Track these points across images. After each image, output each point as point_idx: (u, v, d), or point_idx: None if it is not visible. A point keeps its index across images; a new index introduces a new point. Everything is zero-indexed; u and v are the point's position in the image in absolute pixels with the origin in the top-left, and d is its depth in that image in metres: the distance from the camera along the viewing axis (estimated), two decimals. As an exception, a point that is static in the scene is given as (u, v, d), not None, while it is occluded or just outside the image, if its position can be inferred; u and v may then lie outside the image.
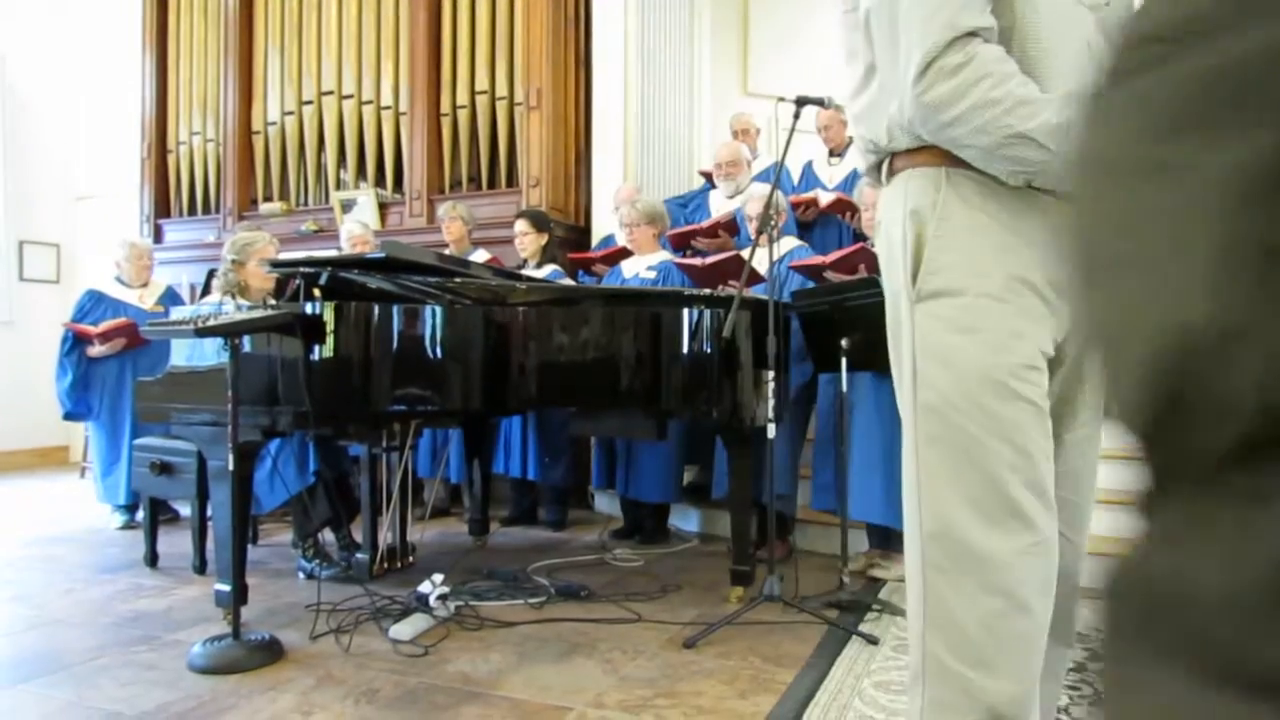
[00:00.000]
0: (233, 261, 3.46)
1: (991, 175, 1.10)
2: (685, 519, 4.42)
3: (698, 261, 3.95)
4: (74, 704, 2.26)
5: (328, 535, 3.60)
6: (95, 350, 4.37)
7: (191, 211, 6.45)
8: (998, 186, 1.11)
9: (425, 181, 5.49)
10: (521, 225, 4.47)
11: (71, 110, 7.12)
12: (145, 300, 4.64)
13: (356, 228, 4.82)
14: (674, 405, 3.13)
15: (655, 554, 3.90)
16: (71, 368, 4.38)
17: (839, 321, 3.11)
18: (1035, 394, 1.10)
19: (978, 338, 1.08)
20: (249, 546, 3.42)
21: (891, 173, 1.20)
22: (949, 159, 1.12)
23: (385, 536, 3.43)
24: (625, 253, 4.30)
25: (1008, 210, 1.11)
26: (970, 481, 1.07)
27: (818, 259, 3.66)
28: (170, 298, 4.80)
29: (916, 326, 1.13)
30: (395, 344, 2.78)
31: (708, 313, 3.07)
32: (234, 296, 3.39)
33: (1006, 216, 1.11)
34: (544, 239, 4.48)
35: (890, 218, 1.19)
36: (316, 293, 2.78)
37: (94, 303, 4.55)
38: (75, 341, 4.40)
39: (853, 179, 4.32)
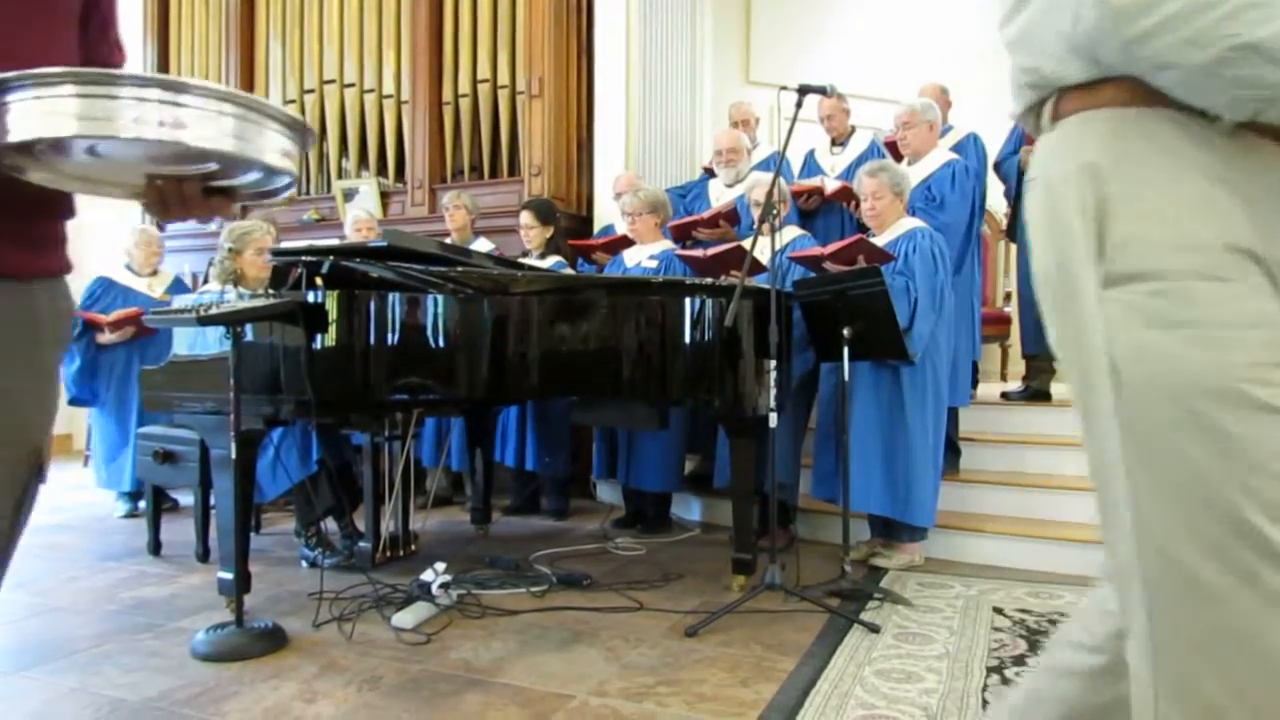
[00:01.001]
0: (229, 250, 3.45)
1: (1199, 113, 0.83)
2: (687, 508, 4.42)
3: (700, 253, 3.94)
4: (77, 690, 2.27)
5: (330, 524, 3.61)
6: (105, 337, 4.39)
7: (193, 200, 6.43)
8: (1206, 130, 0.83)
9: (427, 170, 5.48)
10: (526, 218, 4.46)
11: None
12: (155, 289, 4.67)
13: (362, 214, 4.86)
14: (676, 394, 3.12)
15: (657, 543, 3.91)
16: (79, 353, 4.40)
17: (841, 311, 3.11)
18: None
19: (1195, 333, 0.82)
20: (252, 535, 3.42)
21: (1057, 115, 0.93)
22: (1140, 96, 0.85)
23: (388, 525, 3.44)
24: (626, 241, 4.29)
25: (1222, 161, 0.83)
26: (1207, 521, 0.81)
27: (816, 250, 3.65)
28: (178, 287, 4.82)
29: (1109, 320, 0.86)
30: (397, 333, 2.78)
31: (710, 302, 3.06)
32: (233, 285, 3.39)
33: (1221, 169, 0.83)
34: (549, 231, 4.47)
35: (1056, 175, 0.91)
36: (319, 282, 2.78)
37: (104, 290, 4.56)
38: (85, 327, 4.41)
39: (854, 169, 4.29)
